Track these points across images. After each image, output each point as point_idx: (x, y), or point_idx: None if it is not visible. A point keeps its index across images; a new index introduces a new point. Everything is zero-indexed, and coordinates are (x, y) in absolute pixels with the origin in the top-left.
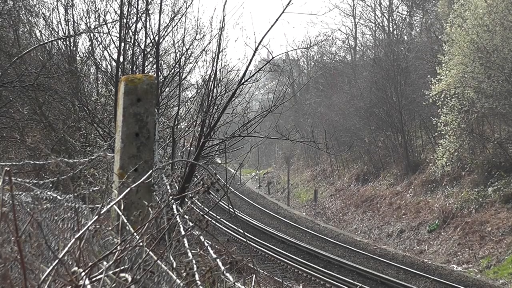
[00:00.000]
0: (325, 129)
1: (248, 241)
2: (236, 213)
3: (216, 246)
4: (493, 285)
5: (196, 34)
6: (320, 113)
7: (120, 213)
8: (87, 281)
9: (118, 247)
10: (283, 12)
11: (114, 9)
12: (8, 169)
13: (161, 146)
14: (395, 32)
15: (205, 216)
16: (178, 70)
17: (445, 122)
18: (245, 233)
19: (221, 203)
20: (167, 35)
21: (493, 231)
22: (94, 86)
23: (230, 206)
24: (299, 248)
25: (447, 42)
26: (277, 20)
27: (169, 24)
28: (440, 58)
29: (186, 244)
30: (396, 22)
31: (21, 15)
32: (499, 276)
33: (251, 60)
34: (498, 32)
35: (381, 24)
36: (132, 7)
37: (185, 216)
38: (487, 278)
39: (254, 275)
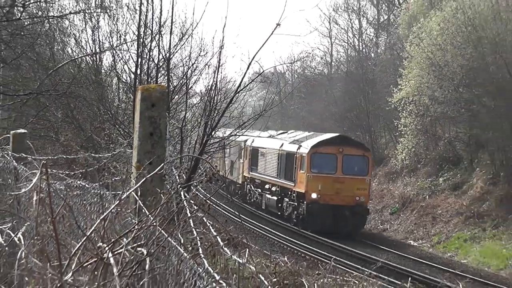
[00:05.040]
0: (306, 130)
1: (242, 221)
2: (233, 198)
3: (216, 226)
4: (442, 257)
5: (200, 51)
6: (302, 117)
7: (137, 199)
8: (110, 254)
9: (136, 226)
10: (271, 34)
11: (132, 31)
12: (45, 162)
13: (171, 144)
14: (364, 50)
15: (207, 201)
16: (185, 81)
17: (405, 124)
18: (240, 215)
19: (220, 190)
20: (176, 52)
21: (442, 214)
22: (116, 94)
23: (227, 194)
24: (285, 227)
25: (406, 58)
26: (266, 40)
27: (178, 43)
28: (401, 71)
29: (192, 224)
30: (365, 42)
31: (56, 36)
32: (447, 250)
33: (245, 73)
34: (449, 50)
35: (352, 44)
36: (148, 29)
37: (191, 201)
38: (438, 252)
39: (247, 249)
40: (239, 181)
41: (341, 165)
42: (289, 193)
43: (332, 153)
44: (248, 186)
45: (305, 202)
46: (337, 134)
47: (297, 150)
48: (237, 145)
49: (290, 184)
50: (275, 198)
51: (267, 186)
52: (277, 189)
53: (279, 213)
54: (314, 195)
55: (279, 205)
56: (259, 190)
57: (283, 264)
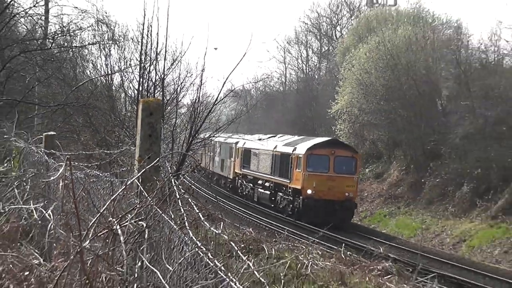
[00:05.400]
0: (266, 133)
1: (218, 201)
2: (212, 184)
3: (199, 205)
4: (368, 228)
5: (187, 73)
6: (263, 123)
7: (139, 184)
8: (118, 227)
9: (137, 205)
10: (240, 61)
11: (136, 58)
12: (69, 157)
13: (165, 143)
14: (309, 73)
15: (191, 186)
16: (175, 95)
17: (340, 129)
18: (217, 197)
19: (202, 178)
20: (169, 74)
21: (368, 196)
22: (123, 105)
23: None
24: (252, 206)
25: (341, 79)
26: (236, 66)
27: (170, 67)
28: (337, 89)
29: (180, 204)
30: (310, 67)
31: (77, 61)
32: (371, 223)
33: (220, 90)
34: (373, 73)
35: (301, 68)
36: (147, 56)
37: (179, 186)
38: (365, 224)
39: (222, 223)
40: (230, 177)
41: (333, 165)
42: (284, 188)
43: (325, 155)
44: (240, 181)
45: (301, 197)
46: (330, 138)
47: (292, 151)
48: (227, 146)
49: (286, 181)
50: (268, 192)
51: (260, 182)
52: (271, 184)
53: (272, 205)
54: (309, 191)
55: (273, 198)
56: (251, 185)
57: (248, 234)
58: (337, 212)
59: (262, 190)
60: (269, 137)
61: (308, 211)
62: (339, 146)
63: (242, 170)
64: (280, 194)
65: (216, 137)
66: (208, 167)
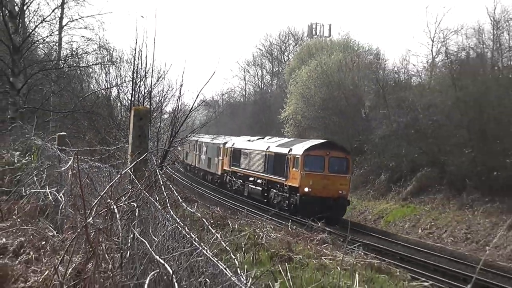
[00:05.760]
0: (232, 134)
1: (192, 186)
2: (188, 174)
3: (178, 190)
4: None
5: (169, 87)
6: (229, 126)
7: (131, 173)
8: (114, 207)
9: (130, 190)
10: (209, 79)
11: (129, 75)
12: (76, 152)
13: (151, 141)
14: (264, 88)
15: (172, 175)
16: (160, 104)
17: (287, 131)
18: (192, 183)
19: (180, 169)
20: (155, 88)
21: None
22: (119, 112)
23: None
24: (221, 191)
25: (288, 93)
26: (207, 82)
27: (156, 83)
28: (285, 100)
29: (163, 189)
30: (265, 83)
31: (83, 77)
32: None
33: (195, 101)
34: (312, 89)
35: (257, 84)
36: (138, 74)
37: (163, 175)
38: None
39: (196, 203)
40: (218, 173)
41: (328, 165)
42: (279, 186)
43: (321, 155)
44: (228, 177)
45: (298, 194)
46: (325, 140)
47: (288, 152)
48: (215, 146)
49: (281, 179)
50: (260, 188)
51: (251, 179)
52: (264, 181)
53: (265, 200)
54: (306, 189)
55: (265, 194)
56: (241, 181)
57: (217, 213)
58: (331, 208)
59: (253, 186)
60: (257, 139)
61: (304, 207)
62: (333, 148)
63: (232, 167)
64: (274, 190)
65: (200, 138)
66: (193, 164)
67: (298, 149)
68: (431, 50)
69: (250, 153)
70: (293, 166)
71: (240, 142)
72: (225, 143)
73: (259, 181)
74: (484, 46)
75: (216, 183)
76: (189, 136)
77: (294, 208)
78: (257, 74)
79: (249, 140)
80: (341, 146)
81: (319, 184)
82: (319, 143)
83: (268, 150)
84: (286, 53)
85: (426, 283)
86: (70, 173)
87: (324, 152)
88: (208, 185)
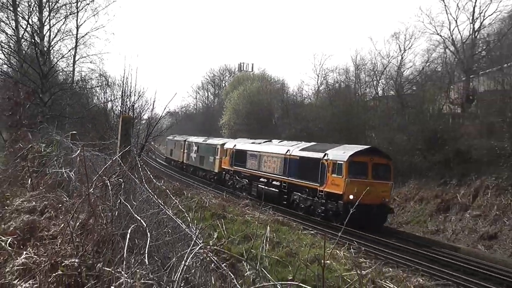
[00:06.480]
0: (190, 135)
1: (161, 168)
2: (159, 160)
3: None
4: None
5: (146, 102)
6: (185, 130)
7: (119, 159)
8: (108, 181)
9: (118, 170)
10: (172, 98)
11: (119, 94)
12: (82, 145)
13: (133, 138)
14: (209, 104)
15: (148, 161)
16: (139, 114)
17: (224, 133)
18: (161, 167)
19: (164, 163)
20: (136, 102)
21: None
22: (112, 118)
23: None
24: (187, 175)
25: (225, 107)
26: (170, 101)
27: (137, 99)
28: (223, 112)
29: (141, 170)
30: (210, 100)
31: (89, 94)
32: None
33: (163, 112)
34: (240, 105)
35: (204, 101)
36: (125, 93)
37: (141, 161)
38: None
39: (163, 180)
40: (215, 171)
41: (371, 172)
42: (307, 190)
43: (364, 162)
44: (228, 175)
45: (341, 202)
46: (369, 146)
47: (323, 157)
48: (210, 146)
49: (313, 184)
50: (275, 190)
51: (263, 179)
52: (283, 184)
53: (284, 202)
54: (351, 197)
55: (284, 196)
56: (247, 180)
57: (176, 186)
58: (374, 216)
59: (265, 187)
60: (264, 141)
61: (348, 215)
62: (376, 153)
63: (234, 167)
64: (299, 194)
65: (188, 138)
66: (181, 160)
67: (338, 154)
68: (317, 82)
69: (261, 155)
70: (332, 172)
71: (243, 144)
72: (223, 144)
73: (275, 183)
74: (350, 80)
75: (213, 180)
76: (158, 136)
77: (333, 215)
78: (204, 95)
79: (253, 143)
80: (384, 152)
81: (363, 191)
82: (363, 149)
83: (289, 154)
84: (223, 81)
85: (312, 232)
86: (78, 159)
87: (368, 158)
88: (200, 180)
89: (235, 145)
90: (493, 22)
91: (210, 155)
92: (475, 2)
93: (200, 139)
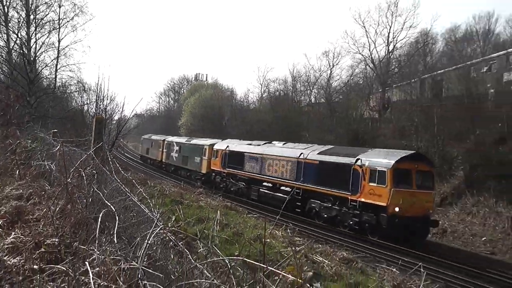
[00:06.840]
0: (153, 134)
1: (130, 161)
2: (169, 172)
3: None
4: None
5: (117, 105)
6: (149, 129)
7: (93, 154)
8: (83, 173)
9: (92, 163)
10: (139, 102)
11: (94, 98)
12: (62, 141)
13: (105, 136)
14: (170, 107)
15: (117, 156)
16: (111, 115)
17: (182, 132)
18: (135, 164)
19: (123, 152)
20: (108, 106)
21: None
22: (89, 119)
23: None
24: (163, 171)
25: (183, 110)
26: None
27: (109, 102)
28: (181, 114)
29: (111, 163)
30: (170, 104)
31: (68, 98)
32: None
33: (131, 113)
34: (196, 109)
35: (166, 105)
36: (99, 97)
37: (112, 155)
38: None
39: (130, 171)
40: (203, 171)
41: (415, 180)
42: (332, 199)
43: (409, 169)
44: (219, 177)
45: (384, 214)
46: (413, 152)
47: (355, 162)
48: (197, 147)
49: (343, 193)
50: (285, 196)
51: (266, 184)
52: (297, 190)
53: (297, 210)
54: (397, 209)
55: (298, 203)
56: (244, 184)
57: (142, 176)
58: (419, 229)
59: (271, 192)
60: (264, 143)
61: (393, 228)
62: (420, 159)
63: (227, 169)
64: (318, 202)
65: (168, 138)
66: (159, 159)
67: (377, 160)
68: (260, 90)
69: (263, 158)
70: (370, 180)
71: (237, 145)
72: (212, 145)
73: (284, 188)
74: (288, 89)
75: (200, 181)
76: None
77: (370, 228)
78: (166, 100)
79: (250, 144)
80: (428, 159)
81: (408, 202)
82: (408, 154)
83: (304, 158)
84: (182, 89)
85: (256, 215)
86: (58, 153)
87: (412, 165)
88: (186, 180)
89: (227, 147)
90: (403, 45)
91: (196, 156)
92: (390, 29)
93: (182, 139)
